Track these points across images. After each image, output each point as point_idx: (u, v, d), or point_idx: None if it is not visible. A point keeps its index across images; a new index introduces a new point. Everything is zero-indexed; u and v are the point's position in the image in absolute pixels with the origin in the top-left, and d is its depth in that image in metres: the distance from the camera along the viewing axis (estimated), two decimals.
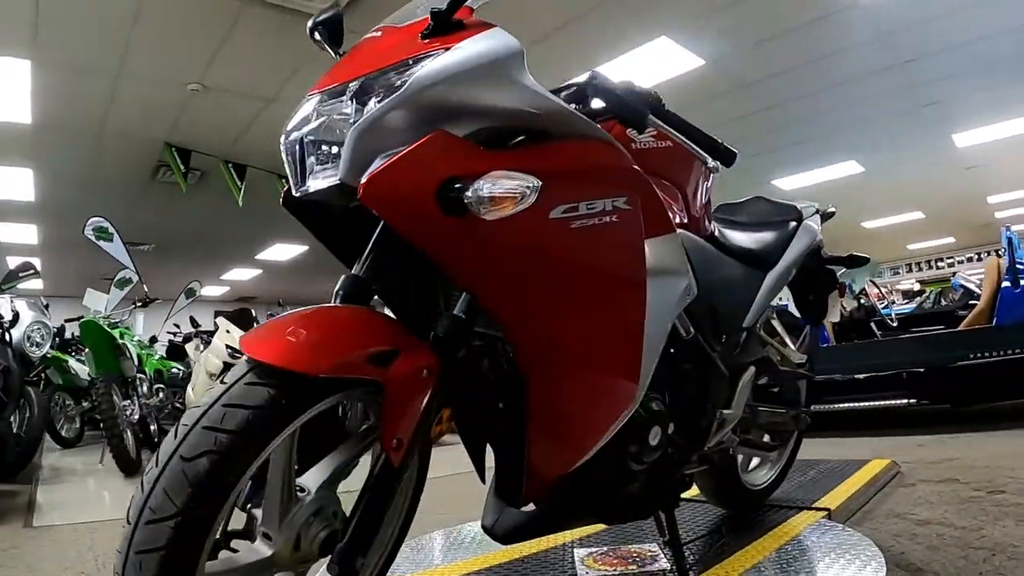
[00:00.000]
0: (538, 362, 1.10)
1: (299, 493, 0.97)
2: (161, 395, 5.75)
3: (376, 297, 1.13)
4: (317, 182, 1.03)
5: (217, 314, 6.29)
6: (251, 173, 7.75)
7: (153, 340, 7.71)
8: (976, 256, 15.91)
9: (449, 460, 2.18)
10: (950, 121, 7.83)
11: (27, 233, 10.06)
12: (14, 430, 4.30)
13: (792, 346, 2.16)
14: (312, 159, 1.04)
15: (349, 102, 1.01)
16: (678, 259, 1.33)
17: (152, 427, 5.35)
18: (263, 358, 0.87)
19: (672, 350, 1.47)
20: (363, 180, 0.94)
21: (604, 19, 5.25)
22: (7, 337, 4.28)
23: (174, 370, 6.54)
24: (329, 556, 0.95)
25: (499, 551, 1.89)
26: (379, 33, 1.13)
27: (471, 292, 1.05)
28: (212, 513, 0.82)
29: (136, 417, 4.98)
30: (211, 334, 6.06)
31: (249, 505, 0.98)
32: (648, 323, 1.22)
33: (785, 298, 2.37)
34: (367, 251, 1.10)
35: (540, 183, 0.97)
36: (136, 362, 5.39)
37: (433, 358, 1.00)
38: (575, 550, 1.88)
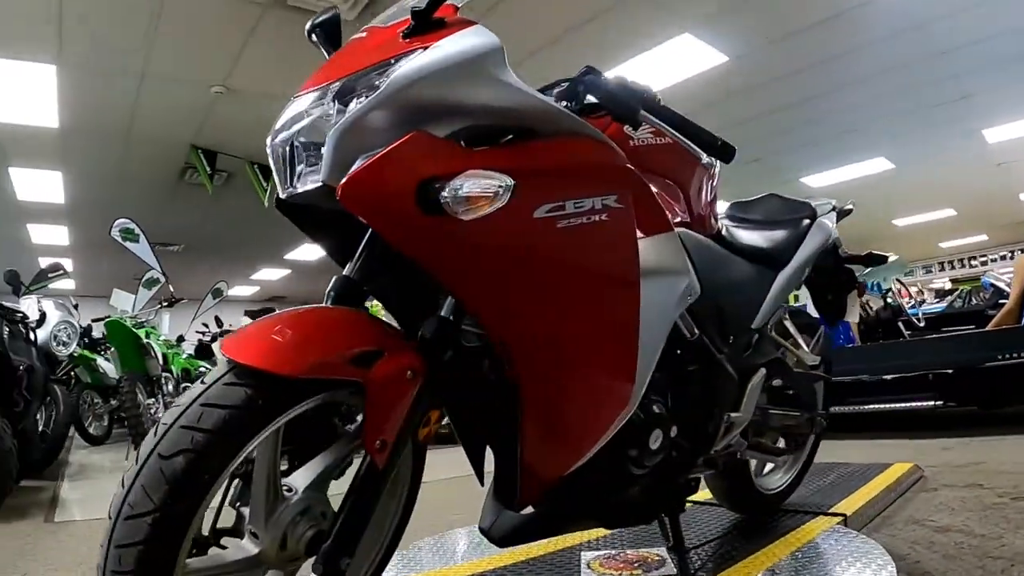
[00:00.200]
0: (528, 362, 1.08)
1: (286, 492, 0.97)
2: None
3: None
4: (304, 184, 1.03)
5: (246, 313, 6.38)
6: None
7: (180, 339, 7.85)
8: (1010, 254, 15.50)
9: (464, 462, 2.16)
10: (980, 116, 7.65)
11: (58, 234, 10.32)
12: (39, 427, 4.38)
13: (806, 347, 2.11)
14: (299, 160, 1.04)
15: (332, 103, 1.00)
16: (677, 258, 1.31)
17: None
18: (241, 359, 0.88)
19: (677, 351, 1.44)
20: (342, 182, 0.94)
21: (626, 15, 5.20)
22: (32, 336, 4.37)
23: (201, 369, 6.63)
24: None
25: (507, 552, 1.88)
26: (364, 34, 1.12)
27: (454, 293, 1.04)
28: (190, 510, 0.82)
29: (161, 415, 5.04)
30: None
31: (238, 503, 0.98)
32: (644, 323, 1.19)
33: (803, 297, 2.32)
34: (358, 252, 1.10)
35: (513, 182, 0.95)
36: (161, 361, 5.49)
37: (418, 359, 0.99)
38: (583, 553, 1.86)
